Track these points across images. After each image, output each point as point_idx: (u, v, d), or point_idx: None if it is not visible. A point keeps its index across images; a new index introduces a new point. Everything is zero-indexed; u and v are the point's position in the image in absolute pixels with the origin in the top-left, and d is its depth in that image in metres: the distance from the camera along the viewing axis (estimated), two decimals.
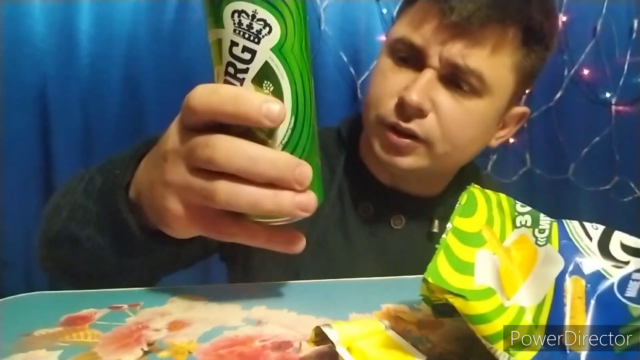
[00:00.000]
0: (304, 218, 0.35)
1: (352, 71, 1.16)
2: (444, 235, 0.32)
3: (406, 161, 0.60)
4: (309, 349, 0.33)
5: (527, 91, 0.68)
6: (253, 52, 0.31)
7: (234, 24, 0.31)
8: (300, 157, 0.33)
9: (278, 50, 0.31)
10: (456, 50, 0.56)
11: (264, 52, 0.31)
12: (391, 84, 0.60)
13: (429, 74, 0.57)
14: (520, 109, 0.67)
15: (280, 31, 0.31)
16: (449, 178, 0.68)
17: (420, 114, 0.58)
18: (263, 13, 0.30)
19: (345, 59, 1.15)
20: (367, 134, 0.64)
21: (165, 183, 0.36)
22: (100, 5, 1.09)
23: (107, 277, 0.48)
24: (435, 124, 0.58)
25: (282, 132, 0.33)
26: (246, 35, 0.31)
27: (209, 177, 0.34)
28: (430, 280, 0.28)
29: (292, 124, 0.33)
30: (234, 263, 0.69)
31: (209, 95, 0.32)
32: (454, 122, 0.59)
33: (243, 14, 0.30)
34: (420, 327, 0.36)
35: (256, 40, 0.31)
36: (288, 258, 0.46)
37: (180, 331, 0.35)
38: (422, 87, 0.57)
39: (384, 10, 1.16)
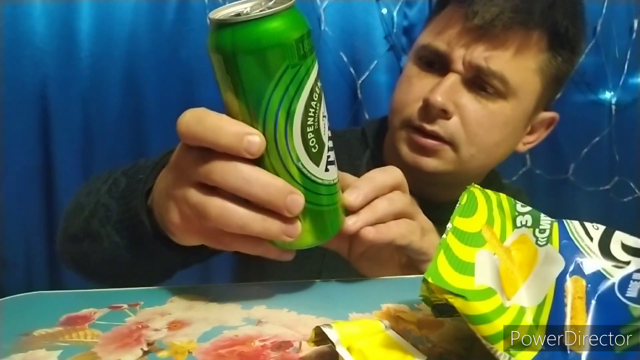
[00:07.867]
0: None
1: (352, 71, 1.15)
2: (444, 236, 0.31)
3: (432, 163, 0.61)
4: (309, 349, 0.33)
5: (556, 95, 0.69)
6: None
7: None
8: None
9: None
10: (478, 53, 0.57)
11: None
12: (416, 88, 0.61)
13: (452, 77, 0.58)
14: (549, 113, 0.67)
15: None
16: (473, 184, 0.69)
17: (444, 115, 0.58)
18: None
19: (345, 59, 1.14)
20: (392, 139, 0.65)
21: (169, 195, 0.38)
22: (100, 5, 1.09)
23: (120, 277, 0.50)
24: (459, 126, 0.59)
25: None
26: None
27: (206, 194, 0.35)
28: (430, 280, 0.28)
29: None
30: (249, 258, 0.69)
31: (194, 124, 0.34)
32: (478, 124, 0.59)
33: None
34: (420, 327, 0.36)
35: None
36: (308, 258, 0.47)
37: (180, 331, 0.35)
38: (445, 88, 0.58)
39: (384, 10, 1.15)
